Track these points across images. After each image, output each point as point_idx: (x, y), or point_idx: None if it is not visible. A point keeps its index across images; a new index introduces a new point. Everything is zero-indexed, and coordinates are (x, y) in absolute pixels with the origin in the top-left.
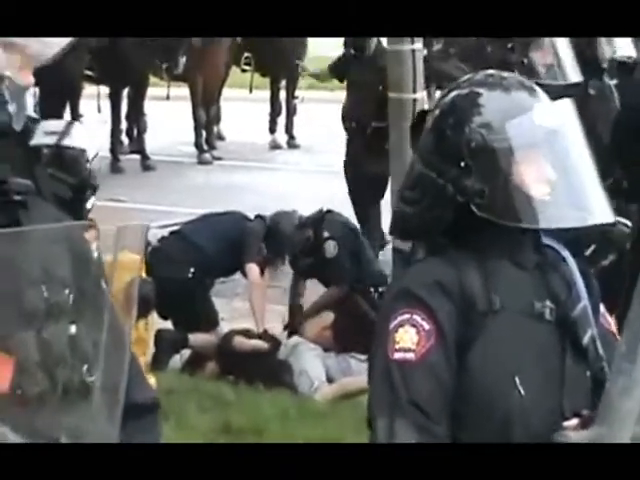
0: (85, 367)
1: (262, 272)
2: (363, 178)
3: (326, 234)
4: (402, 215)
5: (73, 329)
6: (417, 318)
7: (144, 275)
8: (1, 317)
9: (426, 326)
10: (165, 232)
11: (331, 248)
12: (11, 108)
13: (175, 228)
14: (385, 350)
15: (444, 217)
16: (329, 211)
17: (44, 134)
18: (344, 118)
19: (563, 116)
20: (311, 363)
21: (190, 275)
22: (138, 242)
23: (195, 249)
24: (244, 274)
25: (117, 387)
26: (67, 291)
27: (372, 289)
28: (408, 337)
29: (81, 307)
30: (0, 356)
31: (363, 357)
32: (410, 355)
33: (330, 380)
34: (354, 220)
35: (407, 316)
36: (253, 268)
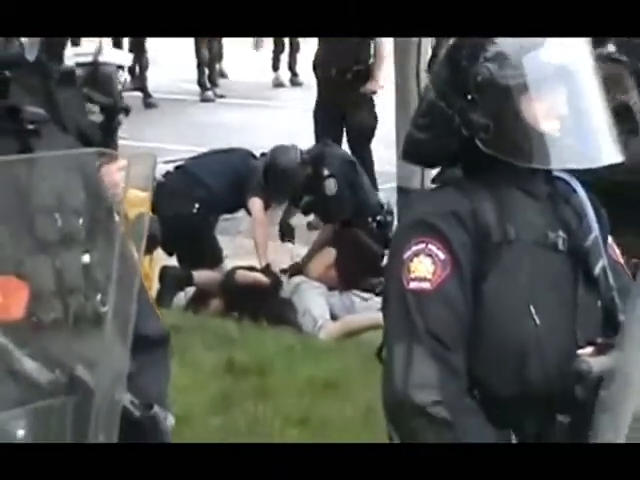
0: (98, 297)
1: (266, 208)
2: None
3: (326, 172)
4: (414, 140)
5: (86, 258)
6: (432, 248)
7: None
8: (16, 243)
9: (441, 256)
10: (170, 167)
11: (331, 186)
12: (23, 39)
13: (180, 163)
14: (400, 280)
15: (452, 147)
16: (327, 144)
17: (75, 56)
18: (318, 65)
19: (575, 53)
20: (314, 301)
21: (195, 211)
22: (147, 172)
23: (200, 185)
24: (248, 211)
25: (128, 318)
26: (80, 220)
27: (370, 219)
28: (423, 267)
29: (94, 236)
30: (15, 281)
31: (367, 295)
32: (426, 284)
33: (334, 318)
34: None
35: (422, 246)
36: (256, 202)
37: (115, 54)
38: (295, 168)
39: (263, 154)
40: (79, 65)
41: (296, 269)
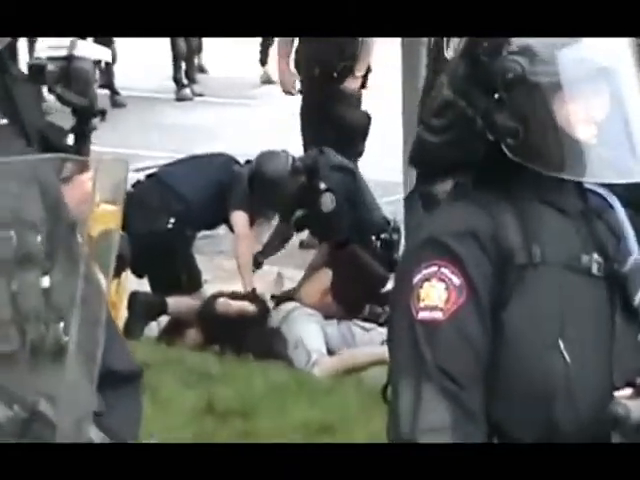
0: (60, 325)
1: (251, 223)
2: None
3: (322, 185)
4: (425, 144)
5: (46, 281)
6: (446, 271)
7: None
8: None
9: (456, 281)
10: (140, 176)
11: (328, 202)
12: None
13: (152, 171)
14: (408, 308)
15: (472, 153)
16: (322, 151)
17: (48, 49)
18: (301, 64)
19: (616, 53)
20: (308, 332)
21: (169, 226)
22: (118, 182)
23: (175, 196)
24: (230, 226)
25: (94, 349)
26: (39, 238)
27: (373, 237)
28: (435, 293)
29: (54, 256)
30: None
31: (369, 326)
32: (437, 314)
33: (331, 352)
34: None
35: (434, 269)
36: (239, 216)
37: (93, 47)
38: (286, 177)
39: (248, 161)
40: (51, 59)
41: (287, 294)
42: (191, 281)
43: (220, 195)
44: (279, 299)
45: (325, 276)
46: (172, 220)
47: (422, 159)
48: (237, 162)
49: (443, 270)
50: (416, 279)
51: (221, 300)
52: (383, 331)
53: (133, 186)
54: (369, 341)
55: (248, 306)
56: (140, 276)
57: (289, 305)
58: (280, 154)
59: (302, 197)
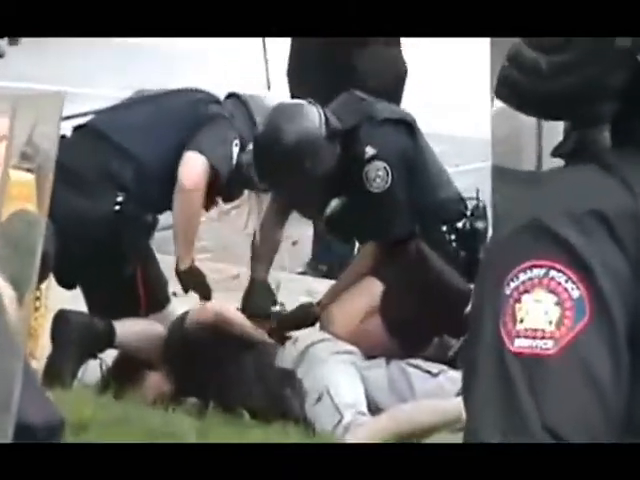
0: None
1: (213, 192)
2: None
3: (369, 151)
4: (527, 68)
5: None
6: (558, 276)
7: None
8: None
9: (574, 292)
10: (67, 127)
11: (380, 175)
12: None
13: (83, 121)
14: (496, 334)
15: (609, 84)
16: (362, 99)
17: None
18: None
19: None
20: (339, 378)
21: (116, 207)
22: (49, 126)
23: (123, 159)
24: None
25: (7, 403)
26: None
27: (444, 227)
28: (541, 311)
29: None
30: None
31: (436, 367)
32: (545, 343)
33: (374, 409)
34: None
35: (539, 272)
36: (195, 160)
37: None
38: (319, 146)
39: (232, 95)
40: None
41: (308, 316)
42: (150, 295)
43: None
44: (294, 322)
45: (370, 291)
46: (119, 198)
47: (521, 94)
48: (216, 100)
49: (554, 274)
50: (510, 288)
51: (203, 307)
52: (458, 376)
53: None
54: (434, 389)
55: (248, 324)
56: (70, 287)
57: (310, 335)
58: (306, 108)
59: (336, 176)
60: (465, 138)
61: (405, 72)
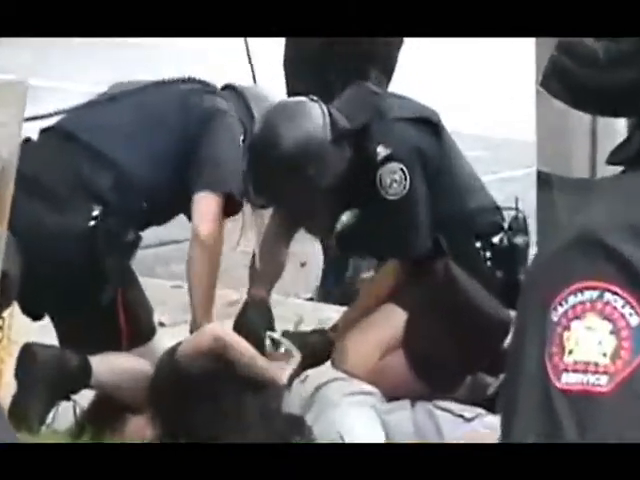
0: None
1: (228, 213)
2: None
3: (382, 150)
4: (580, 53)
5: None
6: (614, 300)
7: None
8: None
9: (632, 317)
10: (30, 130)
11: (396, 179)
12: None
13: (53, 121)
14: (541, 369)
15: None
16: (375, 92)
17: None
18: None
19: None
20: (354, 423)
21: (91, 223)
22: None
23: (100, 164)
24: (190, 216)
25: None
26: None
27: (477, 243)
28: (593, 340)
29: None
30: None
31: (468, 410)
32: (597, 379)
33: None
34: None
35: (591, 294)
36: (208, 202)
37: None
38: (324, 155)
39: (227, 87)
40: None
41: (320, 350)
42: (133, 325)
43: (180, 157)
44: (302, 359)
45: (390, 321)
46: (95, 211)
47: (574, 84)
48: (209, 90)
49: (609, 297)
50: (558, 314)
51: (201, 331)
52: (497, 421)
53: (21, 147)
54: (467, 436)
55: (251, 353)
56: (37, 316)
57: (321, 373)
58: (307, 107)
59: (349, 184)
60: (505, 141)
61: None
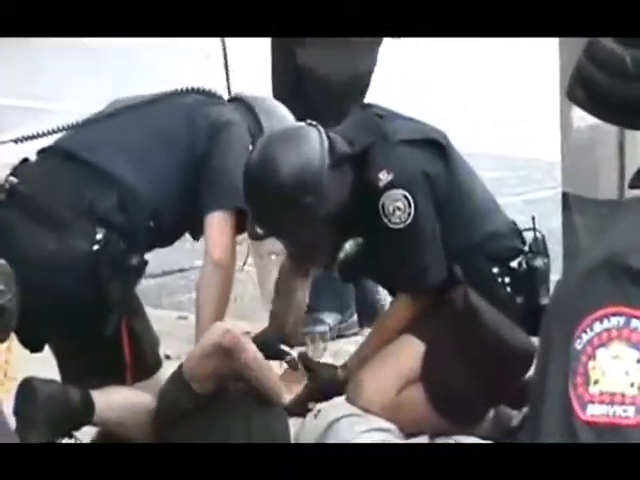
0: None
1: (241, 228)
2: None
3: (383, 175)
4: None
5: None
6: None
7: None
8: None
9: None
10: (28, 151)
11: (400, 206)
12: None
13: (51, 143)
14: (565, 400)
15: None
16: (369, 105)
17: None
18: None
19: None
20: None
21: (95, 247)
22: None
23: (102, 185)
24: (195, 235)
25: None
26: None
27: (495, 268)
28: (620, 369)
29: None
30: None
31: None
32: (624, 411)
33: None
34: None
35: (618, 321)
36: (220, 222)
37: None
38: (321, 181)
39: (234, 99)
40: None
41: (326, 384)
42: (138, 358)
43: (188, 173)
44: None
45: (408, 353)
46: (99, 235)
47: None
48: (216, 101)
49: (636, 324)
50: (582, 341)
51: (220, 324)
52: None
53: (13, 173)
54: None
55: (263, 361)
56: (37, 348)
57: (335, 408)
58: (304, 132)
59: (350, 211)
60: (529, 160)
61: (370, 71)
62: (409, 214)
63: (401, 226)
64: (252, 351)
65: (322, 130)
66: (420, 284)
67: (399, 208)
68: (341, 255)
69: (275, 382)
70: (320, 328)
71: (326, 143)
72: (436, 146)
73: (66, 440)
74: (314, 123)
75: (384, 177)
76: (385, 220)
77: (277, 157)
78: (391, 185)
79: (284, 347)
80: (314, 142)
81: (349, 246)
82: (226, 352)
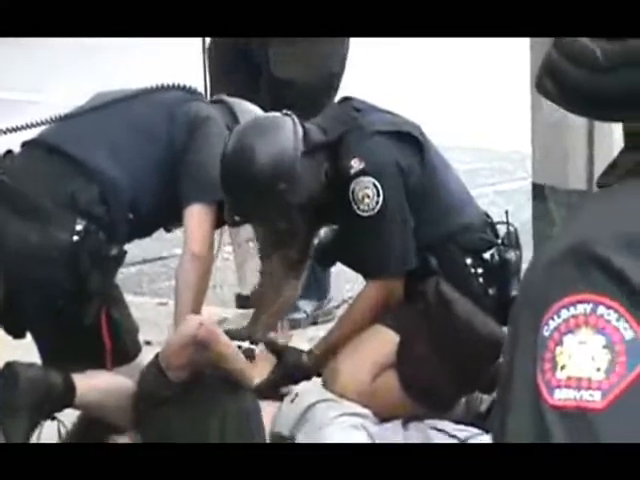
0: None
1: (219, 221)
2: None
3: (355, 163)
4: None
5: None
6: (608, 314)
7: None
8: None
9: (627, 331)
10: (12, 143)
11: (368, 194)
12: None
13: (34, 136)
14: (533, 385)
15: None
16: (347, 99)
17: None
18: None
19: None
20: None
21: (74, 238)
22: None
23: (83, 177)
24: (169, 228)
25: None
26: None
27: (468, 259)
28: (586, 355)
29: None
30: None
31: (463, 431)
32: (591, 395)
33: None
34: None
35: (584, 308)
36: (198, 214)
37: None
38: (294, 169)
39: (216, 101)
40: None
41: (296, 369)
42: (118, 343)
43: (167, 166)
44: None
45: (382, 343)
46: (79, 225)
47: (569, 86)
48: (195, 97)
49: (602, 311)
50: (550, 328)
51: (194, 317)
52: (489, 440)
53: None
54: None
55: (233, 346)
56: (19, 335)
57: (311, 393)
58: (278, 121)
59: (325, 197)
60: (501, 153)
61: (337, 72)
62: (377, 202)
63: (370, 213)
64: (225, 341)
65: (296, 119)
66: (385, 271)
67: (368, 196)
68: (315, 242)
69: (246, 368)
70: (297, 315)
71: (300, 132)
72: (412, 139)
73: (48, 422)
74: (289, 113)
75: (356, 165)
76: (355, 207)
77: (252, 145)
78: (362, 172)
79: (241, 343)
80: (288, 131)
81: (324, 233)
82: (201, 343)
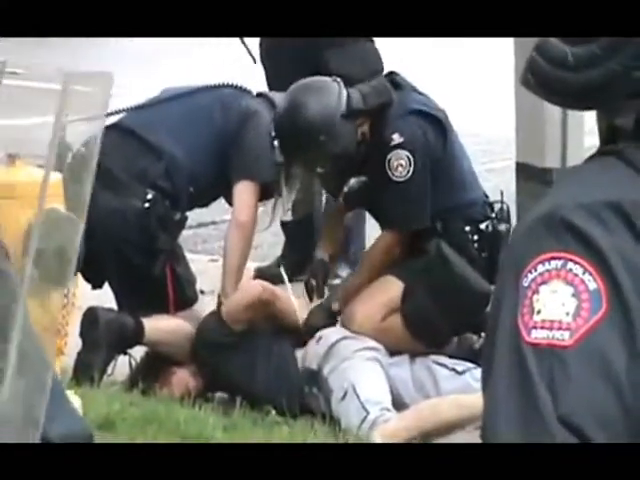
0: None
1: (262, 198)
2: None
3: (396, 137)
4: (551, 52)
5: None
6: (575, 268)
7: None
8: None
9: (590, 283)
10: (90, 128)
11: (402, 164)
12: None
13: (114, 119)
14: (513, 326)
15: (632, 78)
16: (396, 83)
17: None
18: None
19: None
20: (364, 375)
21: (146, 205)
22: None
23: (153, 155)
24: (229, 200)
25: (35, 415)
26: None
27: (467, 227)
28: (557, 302)
29: None
30: None
31: (459, 364)
32: (561, 335)
33: (400, 405)
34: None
35: (556, 264)
36: (247, 189)
37: None
38: (336, 124)
39: (260, 94)
40: None
41: (325, 313)
42: (179, 293)
43: (221, 149)
44: (312, 317)
45: (390, 290)
46: (149, 195)
47: (548, 79)
48: (246, 94)
49: (570, 266)
50: (528, 280)
51: (255, 282)
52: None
53: (84, 146)
54: (460, 388)
55: (291, 303)
56: (97, 285)
57: (333, 333)
58: (326, 85)
59: (360, 156)
60: (491, 137)
61: (381, 69)
62: (408, 171)
63: (400, 179)
64: (284, 299)
65: (342, 85)
66: (405, 226)
67: (402, 165)
68: (346, 188)
69: (296, 314)
70: (336, 281)
71: (344, 96)
72: (439, 122)
73: (122, 357)
74: (338, 79)
75: (396, 138)
76: (389, 172)
77: (302, 101)
78: (399, 146)
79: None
80: (333, 93)
81: (353, 181)
82: (265, 303)
